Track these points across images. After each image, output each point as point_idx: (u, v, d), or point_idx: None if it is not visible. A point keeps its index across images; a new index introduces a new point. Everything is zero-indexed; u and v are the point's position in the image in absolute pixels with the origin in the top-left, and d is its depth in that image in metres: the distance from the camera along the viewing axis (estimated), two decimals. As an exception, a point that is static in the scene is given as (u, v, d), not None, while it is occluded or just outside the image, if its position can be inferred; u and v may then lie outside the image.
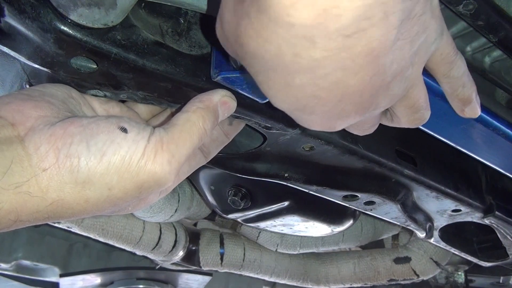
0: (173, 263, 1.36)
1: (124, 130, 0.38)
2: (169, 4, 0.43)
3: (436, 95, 0.47)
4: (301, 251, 1.37)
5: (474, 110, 0.46)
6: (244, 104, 0.50)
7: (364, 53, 0.29)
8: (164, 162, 0.39)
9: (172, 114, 0.51)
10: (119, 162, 0.37)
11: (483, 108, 0.62)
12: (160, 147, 0.39)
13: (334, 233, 1.12)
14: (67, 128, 0.37)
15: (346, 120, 0.36)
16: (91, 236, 1.13)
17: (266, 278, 1.40)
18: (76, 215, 0.38)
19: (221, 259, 1.31)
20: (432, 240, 1.00)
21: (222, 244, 1.32)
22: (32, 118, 0.37)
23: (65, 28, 0.39)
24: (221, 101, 0.46)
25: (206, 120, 0.43)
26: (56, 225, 1.09)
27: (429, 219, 0.88)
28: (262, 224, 1.06)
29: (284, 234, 1.23)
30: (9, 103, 0.38)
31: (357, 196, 0.74)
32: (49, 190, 0.36)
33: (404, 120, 0.44)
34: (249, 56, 0.31)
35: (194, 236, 1.32)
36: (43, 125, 0.37)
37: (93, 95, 0.46)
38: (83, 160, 0.36)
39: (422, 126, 0.63)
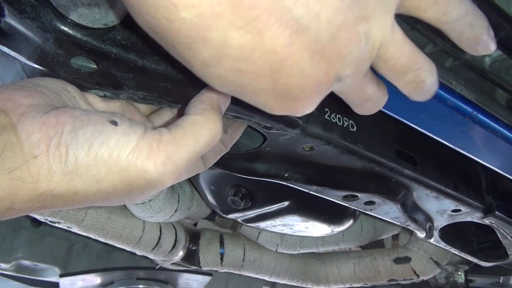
0: (173, 263, 1.36)
1: (115, 123, 0.37)
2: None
3: (433, 97, 0.47)
4: (301, 251, 1.37)
5: (487, 46, 0.39)
6: (244, 104, 0.50)
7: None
8: (158, 162, 0.36)
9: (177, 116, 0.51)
10: (107, 154, 0.36)
11: (481, 110, 0.63)
12: (156, 145, 0.37)
13: (334, 233, 1.12)
14: (60, 117, 0.36)
15: (305, 100, 0.33)
16: (91, 236, 1.13)
17: (266, 278, 1.40)
18: (68, 206, 0.38)
19: (221, 259, 1.31)
20: (432, 240, 1.00)
21: (222, 244, 1.32)
22: (24, 106, 0.37)
23: (65, 28, 0.39)
24: (219, 96, 0.43)
25: (217, 121, 0.41)
26: (56, 225, 1.09)
27: (429, 219, 0.88)
28: (262, 224, 1.06)
29: (284, 234, 1.23)
30: (0, 92, 0.38)
31: (357, 196, 0.74)
32: (40, 178, 0.35)
33: (400, 88, 0.39)
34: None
35: (194, 236, 1.32)
36: (35, 112, 0.37)
37: (93, 95, 0.46)
38: (70, 150, 0.35)
39: (422, 128, 0.64)
